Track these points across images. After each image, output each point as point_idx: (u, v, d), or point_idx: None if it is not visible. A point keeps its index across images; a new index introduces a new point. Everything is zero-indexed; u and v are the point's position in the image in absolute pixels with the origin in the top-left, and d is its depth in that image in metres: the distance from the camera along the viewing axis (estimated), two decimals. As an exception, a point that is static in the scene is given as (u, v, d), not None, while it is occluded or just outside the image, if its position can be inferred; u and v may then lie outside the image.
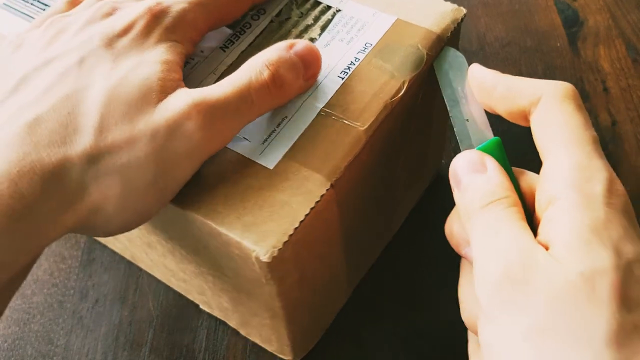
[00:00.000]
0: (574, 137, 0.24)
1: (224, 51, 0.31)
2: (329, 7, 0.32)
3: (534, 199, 0.25)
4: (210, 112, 0.25)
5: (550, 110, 0.24)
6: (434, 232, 0.40)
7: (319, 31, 0.31)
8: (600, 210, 0.21)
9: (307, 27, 0.31)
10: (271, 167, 0.27)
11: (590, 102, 0.46)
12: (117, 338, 0.37)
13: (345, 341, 0.37)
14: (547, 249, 0.22)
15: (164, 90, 0.26)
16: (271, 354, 0.36)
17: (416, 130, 0.33)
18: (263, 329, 0.33)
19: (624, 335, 0.19)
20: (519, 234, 0.22)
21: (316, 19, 0.32)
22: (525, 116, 0.26)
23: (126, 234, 0.30)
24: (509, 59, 0.49)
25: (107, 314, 0.38)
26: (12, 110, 0.25)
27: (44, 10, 0.34)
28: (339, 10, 0.32)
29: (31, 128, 0.24)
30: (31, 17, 0.34)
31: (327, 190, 0.26)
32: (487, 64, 0.49)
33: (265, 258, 0.25)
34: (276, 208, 0.26)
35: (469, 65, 0.29)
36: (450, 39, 0.31)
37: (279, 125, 0.28)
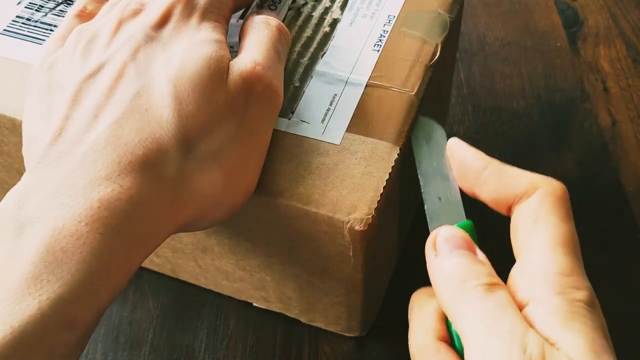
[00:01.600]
0: (562, 244, 0.23)
1: None
2: None
3: None
4: (266, 70, 0.26)
5: (542, 209, 0.24)
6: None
7: (339, 12, 0.32)
8: (585, 324, 0.21)
9: (327, 9, 0.32)
10: (338, 143, 0.28)
11: (590, 102, 0.46)
12: (117, 338, 0.37)
13: (345, 341, 0.37)
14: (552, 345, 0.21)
15: (225, 67, 0.26)
16: (273, 353, 0.36)
17: (439, 96, 0.35)
18: (332, 310, 0.34)
19: None
20: (525, 328, 0.21)
21: (333, 0, 0.32)
22: (508, 206, 0.25)
23: (175, 243, 0.32)
24: (509, 59, 0.49)
25: (107, 314, 0.38)
26: (82, 122, 0.24)
27: (51, 30, 0.33)
28: None
29: (114, 132, 0.24)
30: (39, 39, 0.33)
31: (397, 154, 0.27)
32: (487, 64, 0.49)
33: (360, 227, 0.26)
34: (356, 179, 0.27)
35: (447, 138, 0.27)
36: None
37: (331, 103, 0.29)
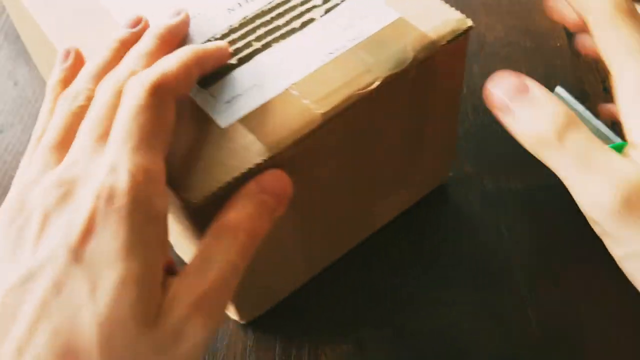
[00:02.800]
0: (626, 50, 0.24)
1: (230, 12, 0.32)
2: None
3: None
4: (206, 303, 0.24)
5: (605, 25, 0.25)
6: (435, 232, 0.40)
7: (322, 12, 0.32)
8: None
9: (313, 7, 0.32)
10: (222, 126, 0.28)
11: (590, 102, 0.46)
12: (117, 338, 0.37)
13: (346, 341, 0.37)
14: None
15: (151, 309, 0.23)
16: (272, 353, 0.36)
17: (403, 133, 0.33)
18: None
19: None
20: (615, 157, 0.23)
21: (326, 1, 0.32)
22: (581, 24, 0.27)
23: None
24: (509, 59, 0.49)
25: (107, 313, 0.38)
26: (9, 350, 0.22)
27: None
28: None
29: None
30: None
31: (264, 160, 0.27)
32: (487, 64, 0.49)
33: (192, 201, 0.26)
34: (210, 166, 0.27)
35: None
36: (449, 48, 0.31)
37: (245, 91, 0.29)
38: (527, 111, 0.25)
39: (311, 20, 0.31)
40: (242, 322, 0.37)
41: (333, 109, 0.28)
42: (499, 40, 0.51)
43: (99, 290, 0.22)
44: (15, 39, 0.54)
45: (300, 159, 0.29)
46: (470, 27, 0.30)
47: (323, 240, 0.37)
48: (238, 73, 0.30)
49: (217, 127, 0.28)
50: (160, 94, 0.25)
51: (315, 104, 0.28)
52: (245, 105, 0.29)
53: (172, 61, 0.27)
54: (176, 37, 0.31)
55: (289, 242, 0.34)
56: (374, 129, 0.31)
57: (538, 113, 0.24)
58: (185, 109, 0.29)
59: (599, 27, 0.25)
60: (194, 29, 0.32)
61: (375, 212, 0.38)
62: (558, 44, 0.50)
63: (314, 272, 0.39)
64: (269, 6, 0.32)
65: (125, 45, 0.30)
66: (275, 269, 0.35)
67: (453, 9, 0.32)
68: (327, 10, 0.32)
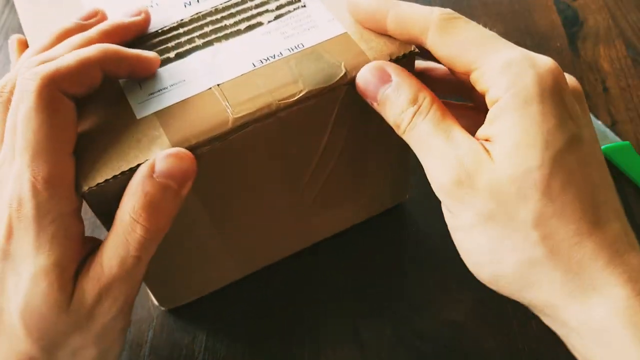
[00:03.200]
0: (487, 41, 0.26)
1: (185, 7, 0.32)
2: (297, 0, 0.32)
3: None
4: (111, 290, 0.27)
5: (448, 33, 0.27)
6: (435, 233, 0.40)
7: (272, 18, 0.31)
8: (532, 107, 0.24)
9: (265, 12, 0.32)
10: (138, 117, 0.28)
11: (590, 101, 0.46)
12: (117, 338, 0.37)
13: (346, 341, 0.37)
14: (488, 141, 0.25)
15: (63, 296, 0.26)
16: (273, 353, 0.36)
17: (340, 155, 0.33)
18: None
19: (544, 220, 0.24)
20: (452, 141, 0.25)
21: (280, 7, 0.32)
22: (417, 41, 0.28)
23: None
24: (509, 59, 0.49)
25: (107, 314, 0.38)
26: None
27: None
28: (304, 6, 0.32)
29: None
30: None
31: None
32: (487, 63, 0.49)
33: (83, 189, 0.26)
34: (113, 154, 0.27)
35: None
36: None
37: (172, 85, 0.29)
38: (388, 99, 0.27)
39: (259, 24, 0.31)
40: (162, 308, 0.38)
41: (248, 115, 0.28)
42: (499, 40, 0.51)
43: (19, 283, 0.26)
44: (14, 38, 0.54)
45: (210, 158, 0.28)
46: (413, 53, 0.29)
47: (251, 242, 0.37)
48: (171, 67, 0.30)
49: (134, 117, 0.28)
50: (50, 91, 0.25)
51: (232, 108, 0.28)
52: (166, 99, 0.29)
53: (71, 57, 0.27)
54: (124, 36, 0.30)
55: (208, 242, 0.34)
56: (298, 143, 0.31)
57: (395, 101, 0.27)
58: (112, 95, 0.29)
59: (438, 35, 0.27)
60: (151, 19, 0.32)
61: (313, 222, 0.38)
62: (558, 44, 0.50)
63: (247, 272, 0.39)
64: (224, 5, 0.32)
65: (69, 35, 0.30)
66: (197, 266, 0.35)
67: None
68: (277, 17, 0.31)
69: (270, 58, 0.29)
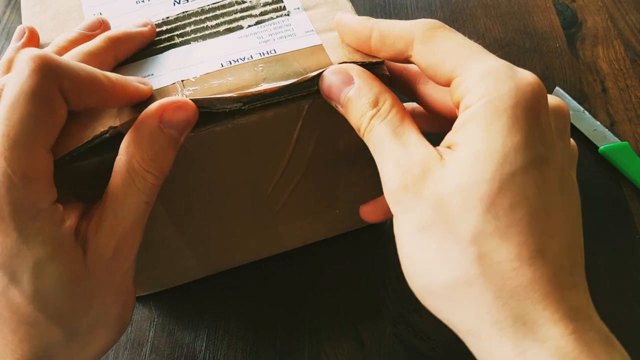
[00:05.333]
0: (470, 51, 0.25)
1: (174, 5, 0.33)
2: (283, 8, 0.32)
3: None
4: (126, 241, 0.27)
5: (431, 42, 0.26)
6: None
7: (253, 22, 0.31)
8: (502, 119, 0.23)
9: (249, 16, 0.32)
10: None
11: (589, 102, 0.46)
12: (118, 338, 0.37)
13: (345, 341, 0.37)
14: (449, 148, 0.24)
15: (77, 273, 0.26)
16: (273, 353, 0.36)
17: (304, 165, 0.33)
18: None
19: (484, 238, 0.22)
20: (406, 146, 0.25)
21: (263, 13, 0.32)
22: (404, 55, 0.27)
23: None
24: (508, 60, 0.49)
25: (108, 313, 0.38)
26: None
27: None
28: (288, 15, 0.32)
29: None
30: None
31: (108, 130, 0.27)
32: (487, 64, 0.49)
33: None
34: (72, 129, 0.27)
35: None
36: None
37: (142, 77, 0.29)
38: (350, 101, 0.27)
39: (239, 27, 0.31)
40: (140, 294, 0.38)
41: (203, 100, 0.27)
42: (498, 41, 0.51)
43: (22, 276, 0.25)
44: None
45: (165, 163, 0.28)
46: (381, 62, 0.28)
47: (215, 242, 0.37)
48: (145, 62, 0.30)
49: None
50: (48, 83, 0.24)
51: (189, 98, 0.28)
52: None
53: (81, 65, 0.26)
54: (131, 46, 0.30)
55: (168, 236, 0.34)
56: (259, 154, 0.31)
57: (356, 103, 0.27)
58: None
59: (422, 44, 0.26)
60: (138, 14, 0.33)
61: (281, 231, 0.38)
62: (557, 45, 0.51)
63: (214, 271, 0.39)
64: (211, 6, 0.32)
65: (74, 45, 0.30)
66: (157, 258, 0.36)
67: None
68: (258, 22, 0.31)
69: (239, 60, 0.30)
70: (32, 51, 0.24)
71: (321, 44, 0.30)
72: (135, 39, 0.31)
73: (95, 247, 0.26)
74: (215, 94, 0.28)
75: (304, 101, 0.29)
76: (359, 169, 0.34)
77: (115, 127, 0.27)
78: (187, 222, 0.34)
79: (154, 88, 0.29)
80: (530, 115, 0.23)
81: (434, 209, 0.23)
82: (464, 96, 0.24)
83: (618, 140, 0.44)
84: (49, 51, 0.28)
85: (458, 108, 0.25)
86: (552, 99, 0.26)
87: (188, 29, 0.32)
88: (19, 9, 0.56)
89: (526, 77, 0.24)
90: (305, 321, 0.38)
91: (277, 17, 0.32)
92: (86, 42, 0.30)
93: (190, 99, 0.27)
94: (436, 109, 0.29)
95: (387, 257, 0.40)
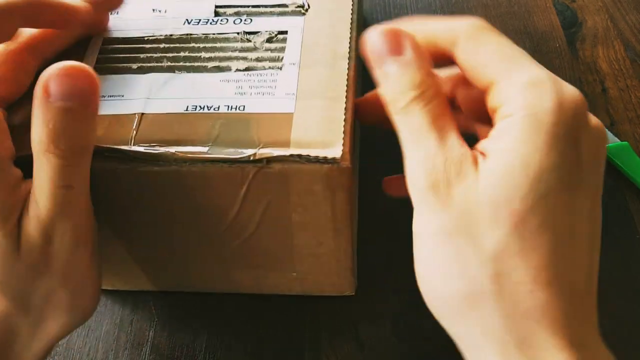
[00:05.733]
0: (516, 57, 0.24)
1: (184, 23, 0.32)
2: (279, 59, 0.30)
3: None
4: (63, 228, 0.26)
5: (477, 42, 0.24)
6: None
7: (242, 67, 0.30)
8: (542, 135, 0.22)
9: (243, 58, 0.31)
10: None
11: (589, 102, 0.46)
12: (118, 337, 0.37)
13: (345, 341, 0.37)
14: (483, 155, 0.23)
15: (11, 235, 0.25)
16: (273, 353, 0.36)
17: (255, 223, 0.31)
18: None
19: (506, 256, 0.22)
20: (444, 142, 0.23)
21: (259, 59, 0.30)
22: (447, 54, 0.25)
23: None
24: (508, 60, 0.49)
25: (109, 313, 0.38)
26: None
27: None
28: (280, 68, 0.30)
29: None
30: None
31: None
32: (487, 64, 0.49)
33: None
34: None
35: None
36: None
37: (110, 97, 0.29)
38: (393, 73, 0.24)
39: (227, 68, 0.30)
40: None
41: (141, 153, 0.27)
42: (498, 41, 0.51)
43: None
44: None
45: (111, 176, 0.28)
46: (336, 161, 0.26)
47: (167, 269, 0.36)
48: (124, 78, 0.30)
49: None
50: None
51: (135, 139, 0.27)
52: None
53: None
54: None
55: (114, 248, 0.34)
56: (205, 201, 0.30)
57: (399, 78, 0.24)
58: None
59: (468, 42, 0.25)
60: (149, 23, 0.32)
61: (236, 276, 0.36)
62: (557, 45, 0.51)
63: (165, 288, 0.39)
64: (214, 36, 0.32)
65: None
66: (116, 269, 0.36)
67: (342, 136, 0.27)
68: (247, 69, 0.30)
69: (205, 108, 0.29)
70: None
71: (292, 114, 0.28)
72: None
73: (24, 231, 0.25)
74: (157, 144, 0.27)
75: (250, 166, 0.27)
76: (316, 242, 0.32)
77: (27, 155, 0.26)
78: (135, 243, 0.33)
79: (113, 112, 0.28)
80: (571, 135, 0.22)
81: (460, 217, 0.22)
82: (503, 103, 0.23)
83: (618, 140, 0.44)
84: None
85: (495, 113, 0.24)
86: (593, 120, 0.24)
87: (182, 54, 0.31)
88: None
89: (571, 93, 0.23)
90: (305, 321, 0.37)
91: (269, 67, 0.30)
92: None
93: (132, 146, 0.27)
94: (466, 107, 0.28)
95: (387, 257, 0.40)
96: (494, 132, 0.23)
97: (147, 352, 0.37)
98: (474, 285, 0.22)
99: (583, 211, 0.23)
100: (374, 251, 0.40)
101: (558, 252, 0.22)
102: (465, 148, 0.23)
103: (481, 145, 0.23)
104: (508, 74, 0.23)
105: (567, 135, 0.22)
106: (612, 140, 0.44)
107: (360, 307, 0.38)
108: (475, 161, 0.23)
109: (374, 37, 0.25)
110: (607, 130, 0.44)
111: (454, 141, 0.23)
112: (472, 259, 0.22)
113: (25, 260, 0.25)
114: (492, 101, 0.24)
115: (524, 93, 0.22)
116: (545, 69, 0.24)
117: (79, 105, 0.23)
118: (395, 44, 0.25)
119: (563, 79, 0.45)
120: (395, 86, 0.24)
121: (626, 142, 0.43)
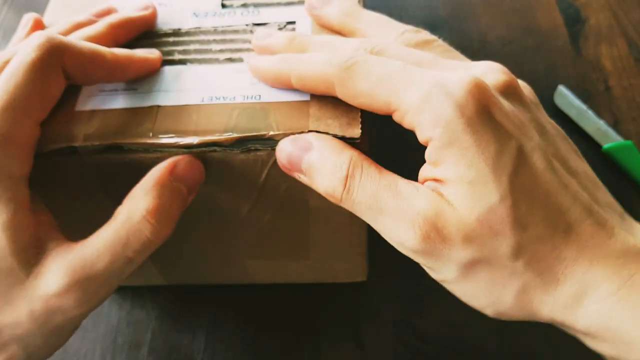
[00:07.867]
0: (393, 78, 0.24)
1: (192, 16, 0.33)
2: None
3: None
4: (88, 284, 0.25)
5: (350, 85, 0.25)
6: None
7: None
8: (466, 139, 0.23)
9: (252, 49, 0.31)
10: (75, 109, 0.29)
11: (592, 101, 0.46)
12: (115, 339, 0.37)
13: (345, 341, 0.36)
14: (438, 181, 0.24)
15: (27, 259, 0.24)
16: (273, 354, 0.36)
17: (273, 209, 0.31)
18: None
19: (523, 249, 0.23)
20: (401, 195, 0.24)
21: None
22: (333, 94, 0.26)
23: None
24: (511, 58, 0.49)
25: (106, 314, 0.38)
26: None
27: None
28: None
29: None
30: None
31: (80, 146, 0.27)
32: (488, 62, 0.49)
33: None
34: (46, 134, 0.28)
35: None
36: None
37: (124, 90, 0.29)
38: (313, 166, 0.25)
39: (239, 59, 0.30)
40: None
41: (161, 145, 0.27)
42: (500, 39, 0.51)
43: None
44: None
45: (129, 163, 0.28)
46: (355, 139, 0.27)
47: (178, 260, 0.36)
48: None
49: (73, 108, 0.28)
50: (52, 56, 0.25)
51: (154, 132, 0.27)
52: (110, 101, 0.29)
53: (84, 43, 0.27)
54: (131, 30, 0.31)
55: None
56: (223, 188, 0.30)
57: (322, 167, 0.25)
58: (74, 90, 0.29)
59: (343, 89, 0.25)
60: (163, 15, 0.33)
61: (248, 265, 0.37)
62: (560, 43, 0.50)
63: (175, 282, 0.39)
64: (224, 28, 0.32)
65: (77, 28, 0.30)
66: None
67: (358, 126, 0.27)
68: None
69: (221, 98, 0.29)
70: (38, 32, 0.26)
71: (308, 101, 0.28)
72: (136, 23, 0.31)
73: (45, 267, 0.25)
74: (176, 135, 0.27)
75: (270, 151, 0.27)
76: (331, 227, 0.33)
77: (75, 146, 0.27)
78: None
79: (131, 105, 0.28)
80: (485, 119, 0.23)
81: (469, 248, 0.23)
82: (415, 128, 0.24)
83: (622, 139, 0.44)
84: (53, 31, 0.29)
85: (414, 130, 0.24)
86: (493, 77, 0.25)
87: (192, 47, 0.31)
88: (16, 6, 0.56)
89: (458, 85, 0.23)
90: (305, 321, 0.37)
91: None
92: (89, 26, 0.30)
93: (151, 141, 0.27)
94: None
95: (387, 256, 0.39)
96: (430, 159, 0.24)
97: (144, 354, 0.37)
98: (520, 284, 0.24)
99: (542, 161, 0.23)
100: (375, 252, 0.40)
101: (554, 213, 0.23)
102: (422, 189, 0.24)
103: (427, 173, 0.24)
104: (398, 99, 0.24)
105: (483, 122, 0.23)
106: (616, 139, 0.43)
107: (361, 307, 0.38)
108: (438, 194, 0.23)
109: (285, 146, 0.26)
110: (610, 128, 0.44)
111: (409, 189, 0.24)
112: (502, 270, 0.23)
113: (27, 291, 0.25)
114: (403, 125, 0.24)
115: (423, 113, 0.23)
116: (424, 71, 0.24)
117: (187, 192, 0.27)
118: (304, 142, 0.26)
119: (566, 77, 0.45)
120: (323, 176, 0.25)
121: (630, 141, 0.43)
